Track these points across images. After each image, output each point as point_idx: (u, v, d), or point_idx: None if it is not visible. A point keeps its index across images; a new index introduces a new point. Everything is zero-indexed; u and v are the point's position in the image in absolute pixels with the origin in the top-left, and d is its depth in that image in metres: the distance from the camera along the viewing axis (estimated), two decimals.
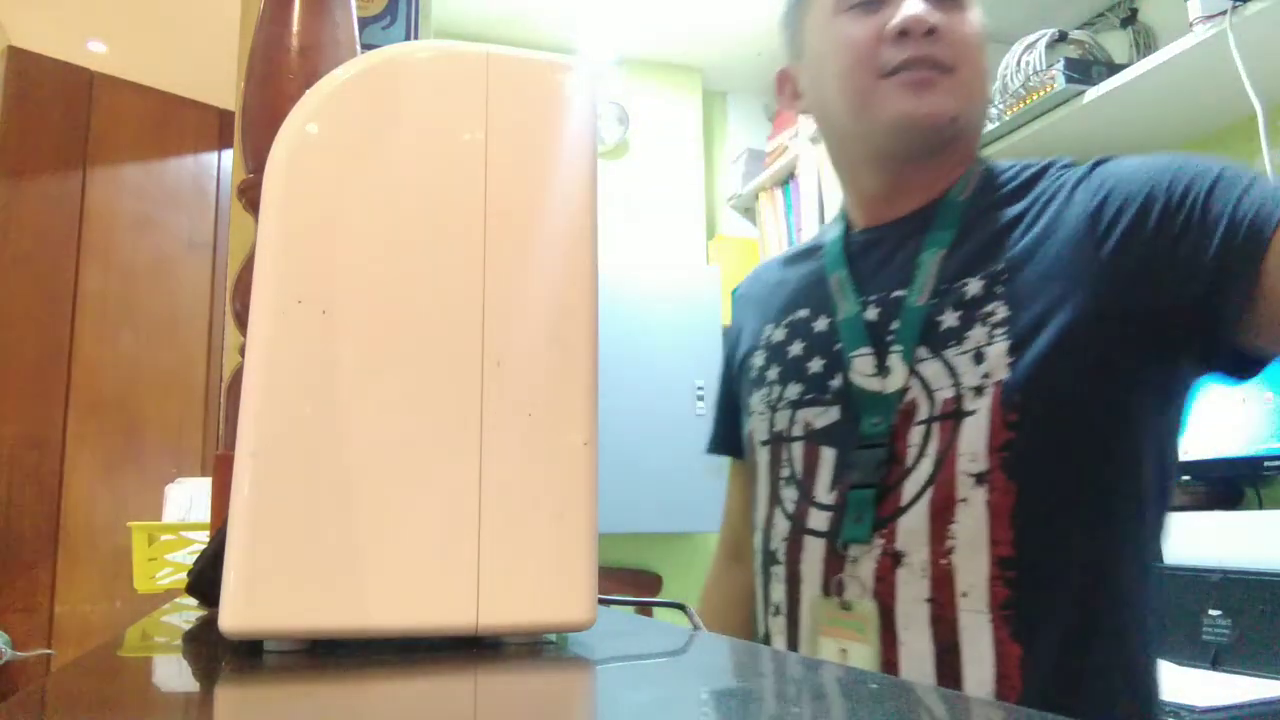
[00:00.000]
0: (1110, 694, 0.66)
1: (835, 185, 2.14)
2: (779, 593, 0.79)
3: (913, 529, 0.69)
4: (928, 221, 0.77)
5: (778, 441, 0.81)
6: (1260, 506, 1.67)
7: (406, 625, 0.38)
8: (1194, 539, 1.50)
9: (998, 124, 2.01)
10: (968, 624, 0.65)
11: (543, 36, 2.79)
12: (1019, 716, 0.31)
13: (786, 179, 2.62)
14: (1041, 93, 1.86)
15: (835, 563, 0.73)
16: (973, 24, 0.79)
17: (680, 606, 0.66)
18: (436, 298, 0.41)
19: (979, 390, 0.68)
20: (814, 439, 0.78)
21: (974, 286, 0.71)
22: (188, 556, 1.72)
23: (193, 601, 0.59)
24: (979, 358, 0.69)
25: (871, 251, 0.81)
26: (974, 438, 0.67)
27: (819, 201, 2.39)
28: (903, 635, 0.68)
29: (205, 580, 0.52)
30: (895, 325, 0.74)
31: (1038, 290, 0.68)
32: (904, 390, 0.72)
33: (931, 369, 0.71)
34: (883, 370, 0.73)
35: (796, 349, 0.82)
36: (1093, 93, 1.80)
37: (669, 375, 2.44)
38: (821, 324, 0.81)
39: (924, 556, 0.67)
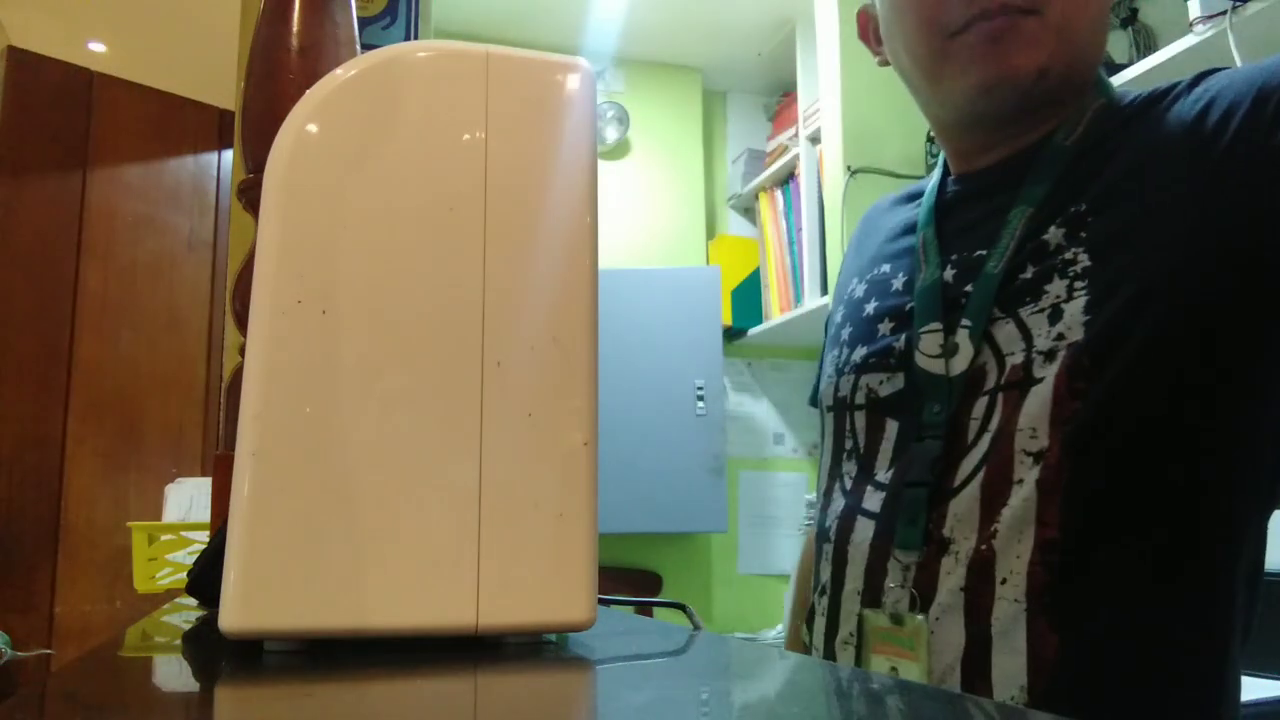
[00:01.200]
0: (1162, 708, 0.59)
1: (836, 185, 2.13)
2: (826, 572, 0.73)
3: (961, 515, 0.62)
4: (1023, 171, 0.68)
5: (842, 409, 0.75)
6: None
7: (406, 625, 0.38)
8: None
9: None
10: (1001, 613, 0.59)
11: (543, 36, 2.79)
12: (1019, 716, 0.31)
13: (786, 179, 2.62)
14: None
15: (883, 548, 0.67)
16: None
17: (680, 606, 0.65)
18: (436, 298, 0.41)
19: (1050, 355, 0.59)
20: (878, 409, 0.71)
21: (1054, 234, 0.63)
22: (188, 556, 1.72)
23: (193, 601, 0.59)
24: (1055, 315, 0.60)
25: (962, 204, 0.73)
26: (1036, 410, 0.59)
27: (819, 201, 2.39)
28: (934, 627, 0.62)
29: (205, 580, 0.52)
30: (969, 290, 0.66)
31: (1128, 231, 0.59)
32: (970, 366, 0.64)
33: (1004, 332, 0.63)
34: (949, 348, 0.65)
35: (871, 308, 0.76)
36: None
37: (669, 375, 2.44)
38: (898, 281, 0.74)
39: (971, 544, 0.61)
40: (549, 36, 2.79)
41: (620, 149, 2.94)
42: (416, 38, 1.75)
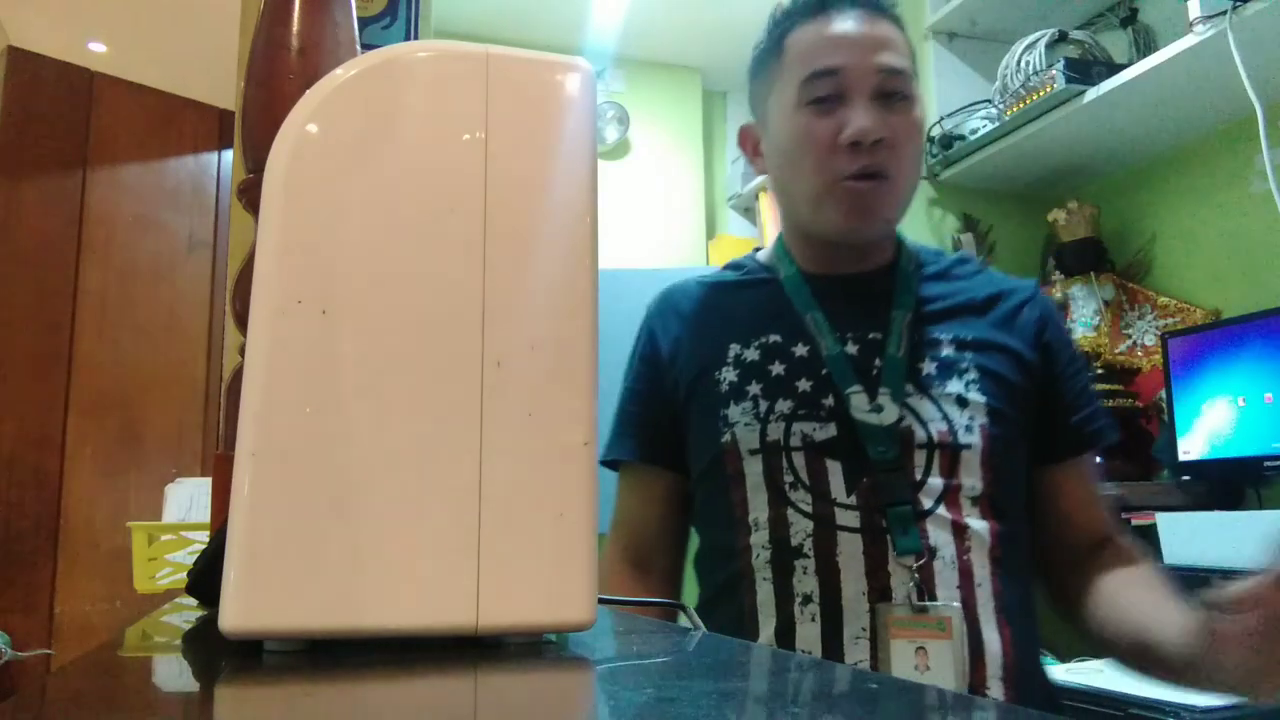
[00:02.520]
0: (1044, 676, 0.90)
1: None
2: (809, 584, 0.85)
3: (940, 531, 0.84)
4: (889, 285, 0.94)
5: (775, 451, 0.89)
6: (1260, 506, 1.67)
7: (406, 625, 0.38)
8: (1194, 539, 1.50)
9: (998, 124, 2.01)
10: (984, 611, 0.83)
11: (543, 36, 2.79)
12: (1019, 716, 0.31)
13: None
14: (1041, 93, 1.86)
15: (878, 560, 0.83)
16: (915, 123, 0.91)
17: (680, 606, 0.67)
18: (436, 298, 0.41)
19: (969, 429, 0.87)
20: (816, 450, 0.88)
21: (947, 348, 0.90)
22: (188, 556, 1.72)
23: (193, 601, 0.59)
24: (962, 402, 0.88)
25: (835, 295, 0.94)
26: (970, 472, 0.86)
27: None
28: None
29: (205, 580, 0.52)
30: (878, 364, 0.89)
31: (997, 365, 0.90)
32: (899, 421, 0.87)
33: (921, 405, 0.88)
34: (875, 406, 0.87)
35: (778, 369, 0.92)
36: (1093, 93, 1.80)
37: None
38: (801, 350, 0.92)
39: (951, 552, 0.84)
40: (549, 36, 2.79)
41: (620, 149, 2.94)
42: (416, 38, 1.75)
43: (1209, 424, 1.68)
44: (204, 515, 1.72)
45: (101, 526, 2.87)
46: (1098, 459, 0.98)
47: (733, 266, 1.04)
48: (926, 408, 0.87)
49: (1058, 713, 0.88)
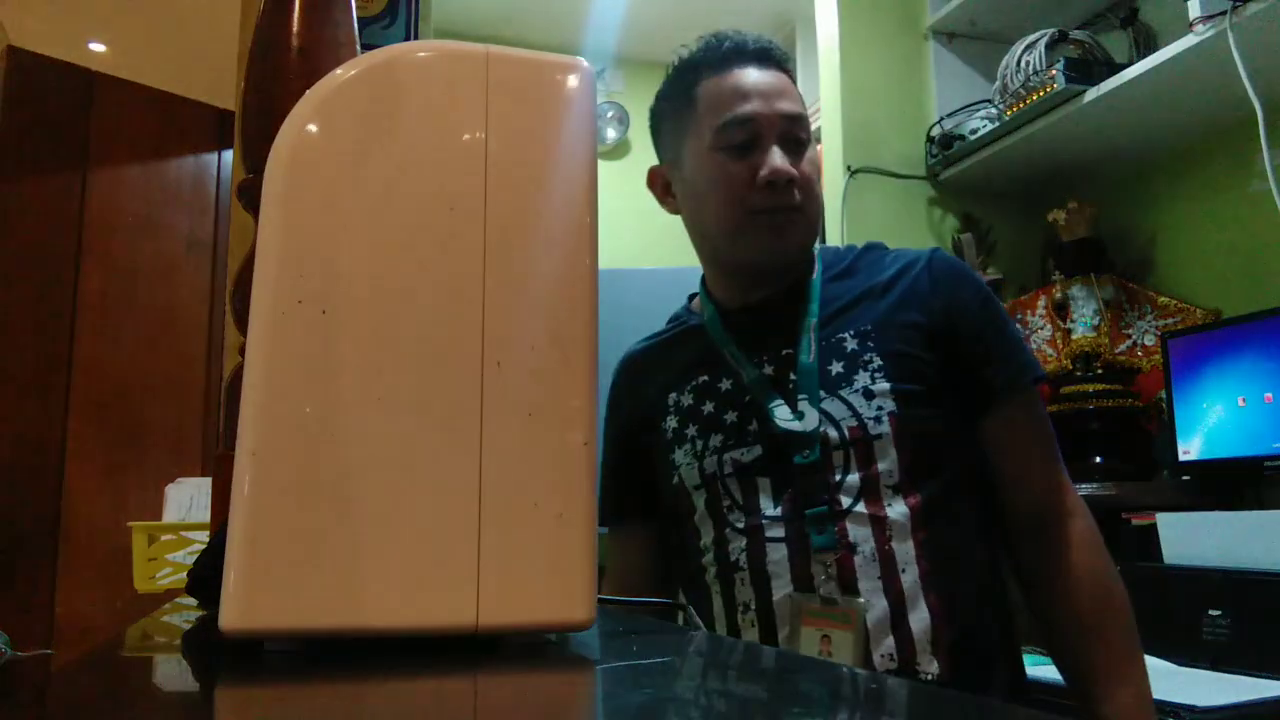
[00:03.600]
0: (990, 635, 0.92)
1: (836, 185, 2.13)
2: (746, 593, 0.93)
3: (859, 527, 0.90)
4: (797, 298, 1.00)
5: (712, 481, 0.97)
6: (1260, 506, 1.67)
7: (406, 625, 0.38)
8: (1194, 539, 1.50)
9: (998, 124, 2.01)
10: (909, 592, 0.88)
11: (543, 36, 2.79)
12: (1018, 716, 0.31)
13: None
14: (1041, 93, 1.86)
15: (802, 562, 0.90)
16: (816, 162, 1.01)
17: (680, 606, 0.67)
18: (436, 298, 0.41)
19: (878, 419, 0.91)
20: (746, 472, 0.95)
21: (850, 342, 0.95)
22: (188, 556, 1.72)
23: (193, 601, 0.59)
24: (869, 394, 0.92)
25: (750, 323, 1.01)
26: (886, 458, 0.91)
27: None
28: (866, 604, 0.88)
29: (205, 580, 0.52)
30: (793, 378, 0.95)
31: (898, 345, 0.94)
32: (818, 426, 0.92)
33: (832, 406, 0.93)
34: (797, 414, 0.93)
35: (709, 407, 0.99)
36: (1093, 93, 1.80)
37: None
38: (725, 384, 0.99)
39: (871, 546, 0.89)
40: (549, 36, 2.79)
41: (620, 149, 2.94)
42: (416, 38, 1.75)
43: (1209, 424, 1.68)
44: (204, 515, 1.72)
45: (101, 526, 2.87)
46: (1035, 408, 0.98)
47: (673, 318, 1.13)
48: (837, 407, 0.93)
49: (1009, 675, 0.93)
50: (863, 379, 0.93)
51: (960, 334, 0.96)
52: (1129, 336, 1.99)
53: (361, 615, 0.38)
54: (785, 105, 0.99)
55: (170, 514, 2.00)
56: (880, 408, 0.92)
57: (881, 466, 0.91)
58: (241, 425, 0.39)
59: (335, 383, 0.40)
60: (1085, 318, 1.99)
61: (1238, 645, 1.35)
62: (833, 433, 0.92)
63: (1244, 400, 1.62)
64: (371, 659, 0.38)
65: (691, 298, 1.14)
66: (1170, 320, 1.93)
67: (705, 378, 1.01)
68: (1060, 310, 2.04)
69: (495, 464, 0.40)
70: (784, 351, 0.97)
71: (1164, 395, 1.78)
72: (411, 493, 0.39)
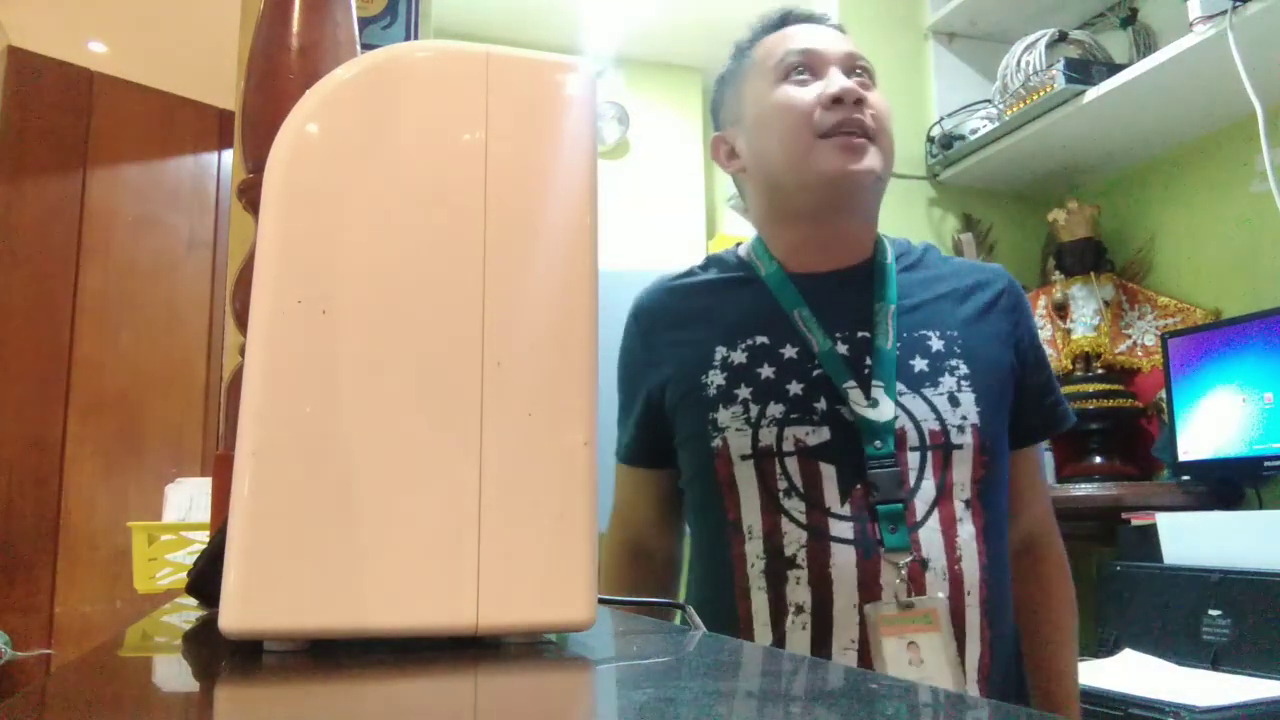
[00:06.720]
0: (1020, 668, 0.94)
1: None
2: (801, 594, 0.86)
3: (931, 540, 0.85)
4: (869, 278, 0.94)
5: (768, 456, 0.89)
6: (1260, 506, 1.67)
7: (406, 625, 0.38)
8: (1194, 539, 1.50)
9: (998, 124, 2.01)
10: (970, 617, 0.85)
11: (543, 36, 2.79)
12: (1019, 715, 0.31)
13: None
14: (1041, 93, 1.86)
15: (869, 568, 0.84)
16: (886, 105, 0.95)
17: (680, 606, 0.67)
18: (436, 298, 0.41)
19: (961, 429, 0.88)
20: (810, 455, 0.88)
21: (935, 342, 0.91)
22: (188, 556, 1.72)
23: (193, 601, 0.59)
24: (954, 401, 0.88)
25: (818, 292, 0.94)
26: (962, 469, 0.87)
27: None
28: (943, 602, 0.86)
29: (205, 580, 0.52)
30: (869, 362, 0.89)
31: (983, 358, 0.91)
32: (895, 419, 0.87)
33: (914, 404, 0.88)
34: (871, 401, 0.87)
35: (767, 372, 0.91)
36: (1093, 93, 1.80)
37: None
38: (790, 352, 0.91)
39: (943, 563, 0.85)
40: (549, 36, 2.79)
41: (620, 149, 2.94)
42: (416, 38, 1.75)
43: (1209, 424, 1.68)
44: (204, 515, 1.72)
45: (101, 526, 2.87)
46: (1045, 449, 1.01)
47: (713, 262, 1.03)
48: (919, 406, 0.88)
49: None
50: (948, 383, 0.89)
51: (1027, 365, 0.96)
52: (1129, 336, 1.99)
53: (361, 616, 0.38)
54: (847, 45, 0.97)
55: (170, 514, 2.00)
56: (964, 417, 0.88)
57: (956, 477, 0.87)
58: (241, 426, 0.39)
59: (335, 383, 0.40)
60: (1085, 318, 1.99)
61: (1238, 645, 1.35)
62: (913, 432, 0.87)
63: (1243, 400, 1.62)
64: (372, 659, 0.38)
65: (737, 245, 1.04)
66: (1170, 320, 1.93)
67: (763, 339, 0.92)
68: (1060, 310, 2.04)
69: (495, 464, 0.40)
70: (859, 333, 0.91)
71: (1164, 395, 1.78)
72: (411, 493, 0.39)
